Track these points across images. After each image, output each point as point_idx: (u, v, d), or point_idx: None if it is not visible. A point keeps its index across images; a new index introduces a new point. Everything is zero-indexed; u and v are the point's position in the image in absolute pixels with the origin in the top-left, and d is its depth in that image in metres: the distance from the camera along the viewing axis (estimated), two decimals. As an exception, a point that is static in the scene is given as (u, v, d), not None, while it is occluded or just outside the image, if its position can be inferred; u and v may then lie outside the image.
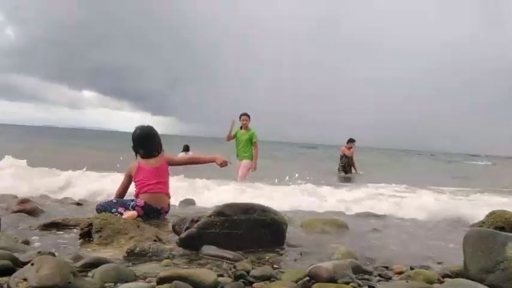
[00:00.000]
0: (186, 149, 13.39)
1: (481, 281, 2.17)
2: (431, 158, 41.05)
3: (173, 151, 12.13)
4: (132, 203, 3.93)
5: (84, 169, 6.81)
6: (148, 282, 2.05)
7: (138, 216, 3.81)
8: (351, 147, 13.05)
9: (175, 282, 1.93)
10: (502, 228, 3.83)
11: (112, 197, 4.29)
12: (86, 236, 2.93)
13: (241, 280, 2.14)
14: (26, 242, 2.72)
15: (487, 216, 4.34)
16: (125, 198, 4.19)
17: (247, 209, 2.96)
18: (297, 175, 7.98)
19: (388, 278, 2.40)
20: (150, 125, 4.38)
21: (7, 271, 1.96)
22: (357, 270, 2.41)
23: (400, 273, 2.49)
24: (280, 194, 6.15)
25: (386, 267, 2.62)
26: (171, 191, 4.20)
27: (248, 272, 2.26)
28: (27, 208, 3.83)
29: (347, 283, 2.12)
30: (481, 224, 4.24)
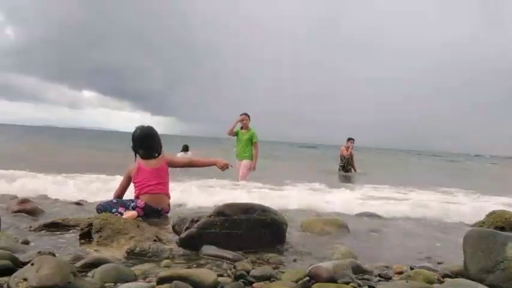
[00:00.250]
0: (185, 148, 13.40)
1: (481, 281, 2.17)
2: (432, 158, 41.07)
3: (172, 151, 12.14)
4: (132, 204, 3.93)
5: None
6: (148, 282, 2.05)
7: (138, 216, 3.81)
8: (349, 147, 13.29)
9: (175, 282, 1.93)
10: (502, 228, 3.83)
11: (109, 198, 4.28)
12: (86, 236, 2.93)
13: (241, 280, 2.14)
14: (26, 242, 2.72)
15: (487, 216, 4.34)
16: (125, 198, 4.19)
17: (247, 209, 2.96)
18: (296, 175, 7.99)
19: (388, 278, 2.40)
20: (150, 125, 4.38)
21: (7, 271, 1.96)
22: (357, 270, 2.41)
23: (400, 273, 2.49)
24: (281, 194, 6.15)
25: (387, 267, 2.62)
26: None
27: (248, 272, 2.26)
28: (27, 208, 3.83)
29: (347, 283, 2.12)
30: (481, 224, 4.25)
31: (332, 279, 2.11)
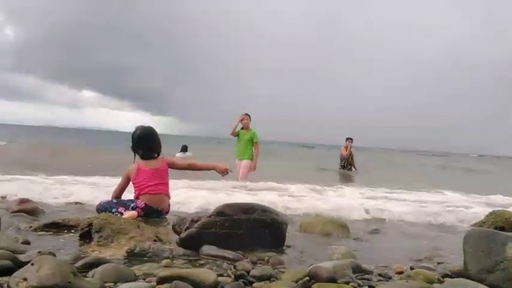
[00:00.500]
0: (184, 149, 13.40)
1: (481, 281, 2.17)
2: (432, 159, 41.05)
3: (172, 151, 12.13)
4: (132, 204, 3.93)
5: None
6: (148, 282, 2.05)
7: (138, 216, 3.81)
8: (347, 147, 13.46)
9: (175, 282, 1.93)
10: (502, 228, 3.83)
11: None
12: (86, 236, 2.93)
13: (241, 280, 2.14)
14: (26, 242, 2.71)
15: (487, 216, 4.34)
16: (124, 199, 4.19)
17: (247, 209, 2.96)
18: (296, 175, 7.99)
19: (388, 278, 2.40)
20: (150, 125, 4.38)
21: (7, 271, 1.95)
22: (357, 270, 2.41)
23: (400, 273, 2.50)
24: (280, 194, 6.15)
25: (386, 267, 2.62)
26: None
27: (248, 272, 2.26)
28: (27, 208, 3.83)
29: (347, 283, 2.12)
30: (481, 224, 4.25)
31: (332, 279, 2.11)
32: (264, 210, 3.03)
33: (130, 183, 4.17)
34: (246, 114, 8.35)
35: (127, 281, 2.02)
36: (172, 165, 4.32)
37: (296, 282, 2.14)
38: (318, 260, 2.68)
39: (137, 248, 2.56)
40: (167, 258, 2.52)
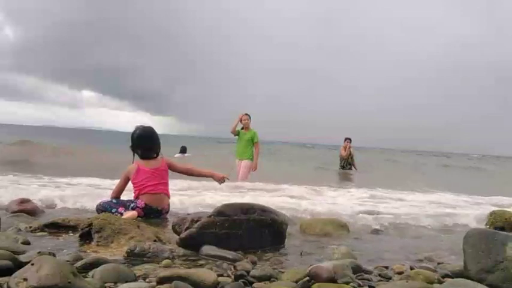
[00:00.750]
0: (183, 150, 13.41)
1: (481, 281, 2.17)
2: (432, 159, 41.04)
3: (171, 151, 12.13)
4: (132, 204, 3.93)
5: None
6: (148, 282, 2.05)
7: (138, 216, 3.81)
8: (346, 147, 13.53)
9: (175, 282, 1.93)
10: (502, 228, 3.83)
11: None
12: (86, 236, 2.93)
13: (241, 280, 2.14)
14: (26, 242, 2.72)
15: (487, 216, 4.35)
16: (123, 199, 4.18)
17: (247, 209, 2.96)
18: (296, 175, 7.99)
19: (388, 278, 2.40)
20: (150, 125, 4.39)
21: (7, 271, 1.96)
22: (357, 270, 2.41)
23: (400, 273, 2.49)
24: (280, 194, 6.15)
25: (387, 267, 2.62)
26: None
27: (248, 272, 2.26)
28: (27, 208, 3.83)
29: (347, 283, 2.12)
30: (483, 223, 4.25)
31: (332, 279, 2.11)
32: (263, 210, 3.03)
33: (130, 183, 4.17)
34: (246, 114, 8.36)
35: (127, 281, 2.02)
36: (172, 167, 4.32)
37: (296, 282, 2.14)
38: (318, 260, 2.68)
39: (137, 248, 2.56)
40: (167, 258, 2.52)
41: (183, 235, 2.83)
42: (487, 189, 8.87)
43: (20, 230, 3.12)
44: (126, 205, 3.94)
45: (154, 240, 2.84)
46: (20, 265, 2.02)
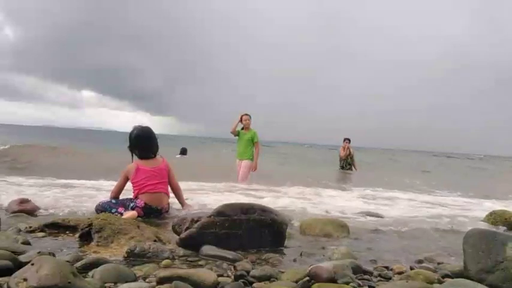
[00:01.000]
0: (183, 152, 13.44)
1: (481, 281, 2.17)
2: (433, 159, 41.05)
3: (171, 151, 12.13)
4: (131, 204, 3.93)
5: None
6: (148, 282, 2.05)
7: (138, 216, 3.81)
8: (345, 147, 13.65)
9: (175, 282, 1.93)
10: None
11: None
12: (86, 236, 2.93)
13: (241, 280, 2.14)
14: (26, 242, 2.72)
15: (487, 216, 4.35)
16: (123, 198, 4.19)
17: (247, 209, 2.96)
18: (296, 175, 7.99)
19: (388, 278, 2.40)
20: (148, 125, 4.41)
21: (7, 271, 1.96)
22: (357, 270, 2.41)
23: (400, 273, 2.49)
24: (280, 194, 6.16)
25: (387, 267, 2.62)
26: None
27: (248, 272, 2.26)
28: (27, 208, 3.83)
29: (347, 283, 2.12)
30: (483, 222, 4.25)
31: (332, 280, 2.11)
32: (263, 210, 3.03)
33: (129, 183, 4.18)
34: (247, 114, 8.37)
35: (127, 281, 2.02)
36: (169, 175, 4.29)
37: (296, 282, 2.14)
38: (318, 260, 2.68)
39: (137, 248, 2.56)
40: (167, 258, 2.52)
41: (183, 235, 2.83)
42: (487, 189, 8.88)
43: (20, 230, 3.12)
44: (125, 205, 3.94)
45: (155, 240, 2.84)
46: (20, 265, 2.02)
